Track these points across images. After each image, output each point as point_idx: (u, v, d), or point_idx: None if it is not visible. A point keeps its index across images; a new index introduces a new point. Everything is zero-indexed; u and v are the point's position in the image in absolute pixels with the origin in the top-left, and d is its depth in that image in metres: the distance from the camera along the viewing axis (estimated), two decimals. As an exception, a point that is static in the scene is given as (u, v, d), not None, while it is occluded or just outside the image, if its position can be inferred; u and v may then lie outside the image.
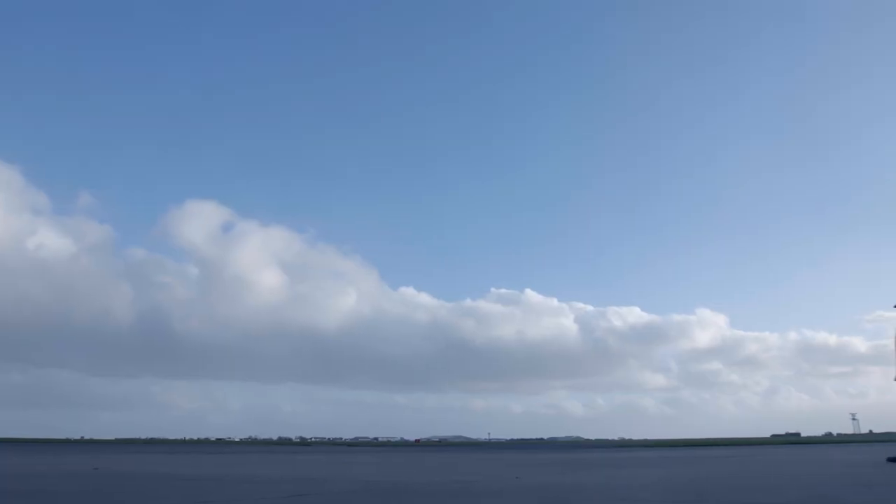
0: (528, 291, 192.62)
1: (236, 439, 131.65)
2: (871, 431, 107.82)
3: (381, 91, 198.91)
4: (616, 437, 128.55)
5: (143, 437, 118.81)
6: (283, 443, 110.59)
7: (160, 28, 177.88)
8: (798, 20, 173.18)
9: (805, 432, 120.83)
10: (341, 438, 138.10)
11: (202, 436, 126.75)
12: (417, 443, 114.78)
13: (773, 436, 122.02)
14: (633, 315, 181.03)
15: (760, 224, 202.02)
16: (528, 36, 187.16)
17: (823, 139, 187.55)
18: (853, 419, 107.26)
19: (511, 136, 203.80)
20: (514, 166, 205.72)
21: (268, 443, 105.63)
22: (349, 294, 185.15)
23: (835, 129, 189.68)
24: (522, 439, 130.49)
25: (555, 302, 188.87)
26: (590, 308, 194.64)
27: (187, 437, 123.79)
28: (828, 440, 79.37)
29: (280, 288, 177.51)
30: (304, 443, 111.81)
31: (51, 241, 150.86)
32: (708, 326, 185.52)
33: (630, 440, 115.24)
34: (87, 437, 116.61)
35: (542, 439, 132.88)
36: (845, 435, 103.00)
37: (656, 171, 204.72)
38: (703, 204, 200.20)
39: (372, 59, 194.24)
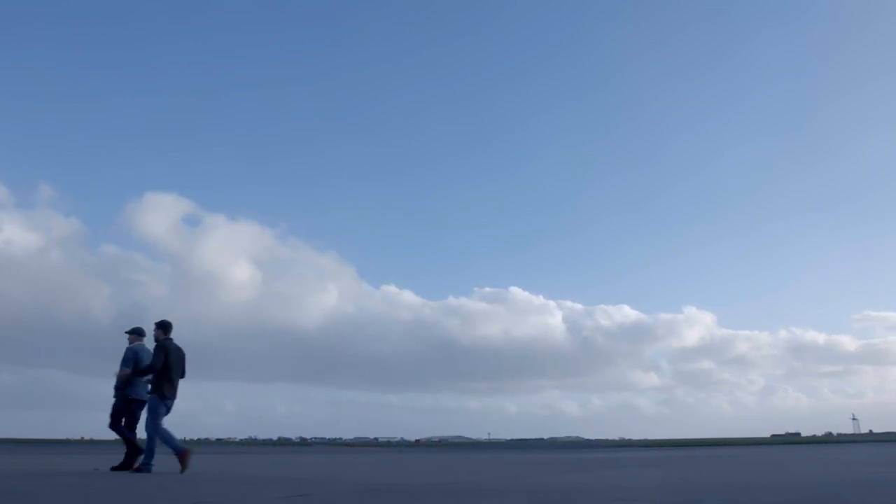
0: (514, 289, 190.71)
1: (236, 439, 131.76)
2: (870, 431, 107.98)
3: (365, 88, 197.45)
4: (616, 437, 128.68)
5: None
6: (283, 443, 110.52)
7: (129, 22, 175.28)
8: (799, 21, 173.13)
9: (804, 432, 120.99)
10: (341, 439, 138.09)
11: (200, 436, 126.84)
12: (417, 443, 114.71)
13: (773, 436, 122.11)
14: (622, 313, 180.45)
15: (750, 224, 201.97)
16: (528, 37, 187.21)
17: (815, 141, 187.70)
18: (853, 419, 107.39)
19: (500, 134, 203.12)
20: (502, 164, 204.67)
21: (267, 443, 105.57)
22: (330, 292, 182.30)
23: (829, 130, 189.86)
24: (522, 439, 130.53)
25: (541, 300, 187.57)
26: (578, 306, 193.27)
27: (187, 438, 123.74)
28: (828, 440, 79.35)
29: (259, 285, 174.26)
30: (304, 443, 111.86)
31: (18, 235, 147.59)
32: (695, 325, 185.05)
33: (630, 440, 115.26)
34: (86, 437, 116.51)
35: (541, 439, 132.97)
36: (845, 435, 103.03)
37: (647, 171, 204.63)
38: (693, 204, 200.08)
39: (368, 61, 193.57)
